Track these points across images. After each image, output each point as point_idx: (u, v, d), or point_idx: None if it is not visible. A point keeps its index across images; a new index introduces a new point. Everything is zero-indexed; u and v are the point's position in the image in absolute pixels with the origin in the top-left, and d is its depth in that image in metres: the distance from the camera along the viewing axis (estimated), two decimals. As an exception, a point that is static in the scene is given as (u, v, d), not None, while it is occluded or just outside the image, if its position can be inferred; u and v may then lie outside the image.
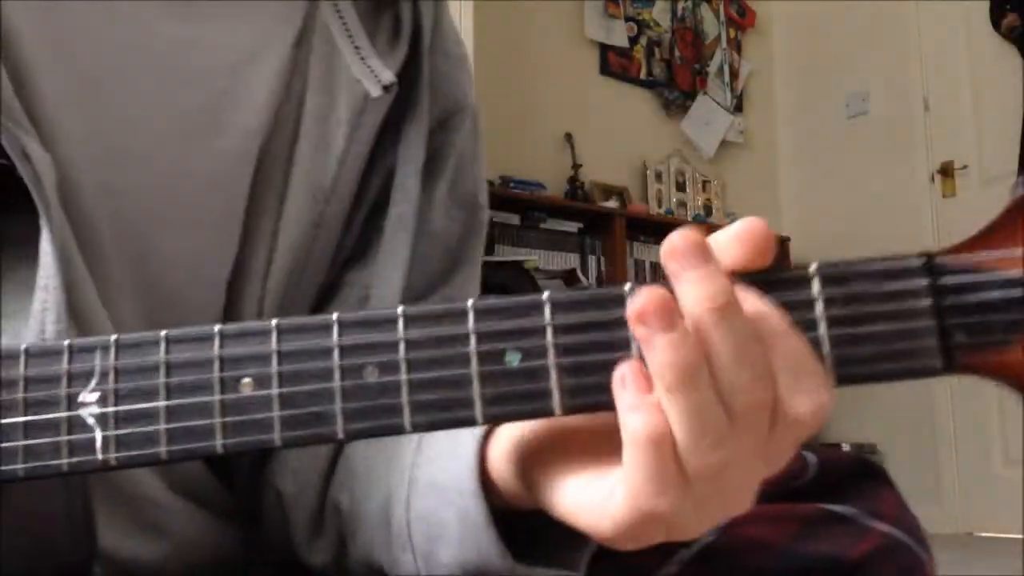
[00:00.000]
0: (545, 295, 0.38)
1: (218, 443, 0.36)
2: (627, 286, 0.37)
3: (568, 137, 4.04)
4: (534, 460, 0.41)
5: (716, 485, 0.37)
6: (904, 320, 0.36)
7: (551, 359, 0.37)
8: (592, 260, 3.93)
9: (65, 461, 0.37)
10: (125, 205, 0.61)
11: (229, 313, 0.64)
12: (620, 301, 0.37)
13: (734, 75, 4.67)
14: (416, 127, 0.66)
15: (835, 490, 0.59)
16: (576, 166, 4.00)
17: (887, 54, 4.38)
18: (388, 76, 0.64)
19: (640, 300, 0.35)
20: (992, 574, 2.68)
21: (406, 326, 0.37)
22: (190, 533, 0.63)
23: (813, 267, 0.37)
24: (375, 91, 0.64)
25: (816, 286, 0.37)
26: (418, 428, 0.36)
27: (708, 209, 4.49)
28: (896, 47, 4.35)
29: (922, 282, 0.36)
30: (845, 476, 0.60)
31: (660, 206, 4.35)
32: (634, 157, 4.34)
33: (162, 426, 0.37)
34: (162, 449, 0.37)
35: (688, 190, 4.46)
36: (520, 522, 0.46)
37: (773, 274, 0.37)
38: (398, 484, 0.50)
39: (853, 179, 4.44)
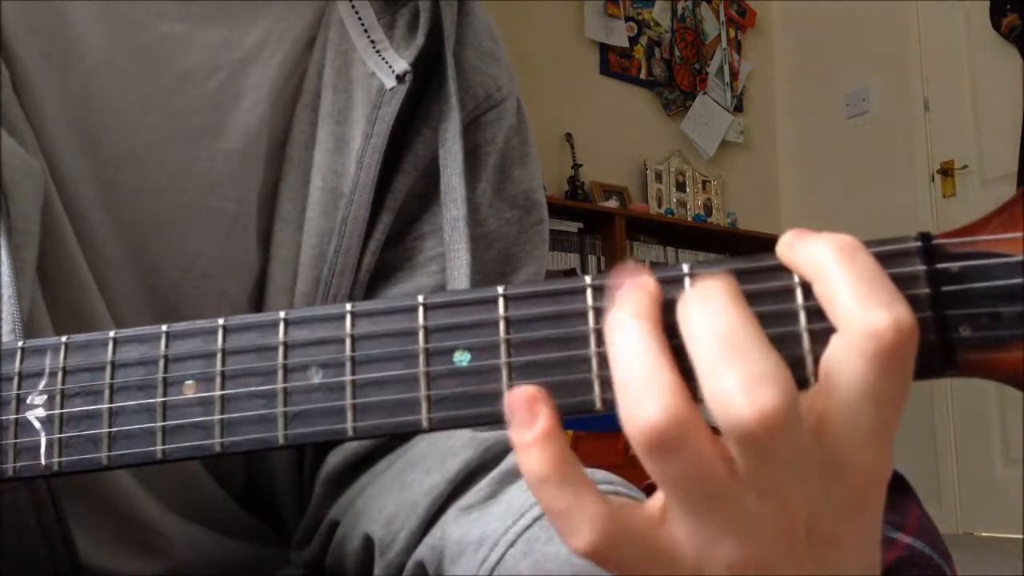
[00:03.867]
0: (500, 288, 0.35)
1: (158, 448, 0.35)
2: (587, 278, 0.34)
3: (568, 137, 4.03)
4: None
5: (713, 495, 0.31)
6: None
7: (503, 356, 0.34)
8: (592, 260, 3.92)
9: (11, 465, 0.37)
10: (126, 209, 0.60)
11: None
12: (579, 293, 0.34)
13: (734, 75, 4.66)
14: (451, 127, 0.64)
15: None
16: (576, 166, 3.99)
17: (887, 54, 4.37)
18: (402, 65, 0.63)
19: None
20: (992, 574, 2.67)
21: (354, 322, 0.35)
22: (191, 553, 0.62)
23: None
24: (389, 82, 0.62)
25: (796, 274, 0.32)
26: (360, 433, 0.35)
27: (708, 209, 4.48)
28: (896, 47, 4.33)
29: (918, 267, 0.32)
30: None
31: (660, 206, 4.34)
32: (634, 157, 4.33)
33: (104, 429, 0.36)
34: (103, 454, 0.36)
35: (688, 190, 4.45)
36: None
37: (754, 261, 0.33)
38: None
39: (853, 179, 4.43)
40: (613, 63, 4.31)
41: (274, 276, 0.63)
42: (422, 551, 0.54)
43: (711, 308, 0.31)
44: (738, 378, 0.29)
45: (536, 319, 0.34)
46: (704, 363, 0.30)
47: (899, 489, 0.60)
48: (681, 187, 4.44)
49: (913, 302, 0.31)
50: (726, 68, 4.63)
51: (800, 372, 0.32)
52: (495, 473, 0.55)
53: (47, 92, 0.57)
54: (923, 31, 4.28)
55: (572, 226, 3.87)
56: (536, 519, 0.50)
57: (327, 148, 0.63)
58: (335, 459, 0.62)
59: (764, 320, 0.31)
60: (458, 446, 0.56)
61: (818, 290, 0.31)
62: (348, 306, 0.35)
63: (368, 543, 0.58)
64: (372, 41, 0.64)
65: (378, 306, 0.35)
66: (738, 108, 4.67)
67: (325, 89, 0.64)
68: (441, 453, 0.57)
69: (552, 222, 3.72)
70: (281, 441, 0.35)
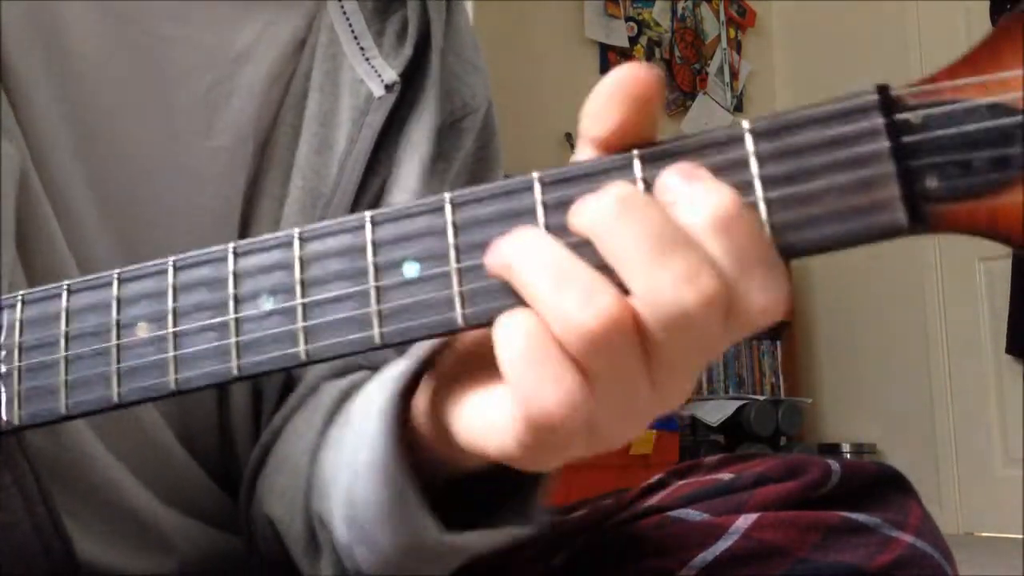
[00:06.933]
0: (446, 194, 0.34)
1: (114, 391, 0.35)
2: (535, 173, 0.34)
3: (568, 137, 4.03)
4: (444, 395, 0.38)
5: (630, 383, 0.33)
6: (856, 169, 0.30)
7: (452, 263, 0.33)
8: (592, 260, 3.92)
9: None
10: (114, 205, 0.60)
11: None
12: (528, 189, 0.34)
13: (734, 75, 4.66)
14: (421, 126, 0.65)
15: (858, 499, 0.58)
16: (576, 166, 3.99)
17: (887, 54, 4.37)
18: (391, 75, 0.64)
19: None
20: (992, 574, 2.66)
21: (302, 245, 0.35)
22: (195, 550, 0.63)
23: (746, 123, 0.32)
24: (378, 91, 0.63)
25: (749, 143, 0.31)
26: (313, 356, 0.34)
27: (708, 209, 4.48)
28: (896, 47, 4.33)
29: (877, 121, 0.30)
30: (868, 485, 0.59)
31: (660, 206, 4.34)
32: (634, 157, 4.33)
33: (61, 377, 0.36)
34: (61, 403, 0.36)
35: (688, 190, 4.45)
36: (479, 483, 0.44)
37: (701, 137, 0.32)
38: (349, 476, 0.47)
39: (853, 179, 4.42)
40: (613, 63, 4.29)
41: None
42: (315, 504, 0.54)
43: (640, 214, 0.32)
44: (677, 272, 0.31)
45: (485, 220, 0.34)
46: (639, 263, 0.32)
47: (899, 488, 0.60)
48: (681, 187, 4.44)
49: (874, 157, 0.30)
50: (726, 68, 4.63)
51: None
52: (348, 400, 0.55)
53: (40, 90, 0.57)
54: (923, 31, 4.28)
55: (572, 226, 3.87)
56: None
57: (310, 149, 0.64)
58: (254, 453, 0.62)
59: None
60: (320, 403, 0.57)
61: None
62: (296, 231, 0.35)
63: (272, 523, 0.58)
64: (362, 48, 0.65)
65: (326, 226, 0.35)
66: (738, 108, 4.67)
67: (312, 91, 0.65)
68: (307, 417, 0.58)
69: (552, 221, 3.75)
70: (235, 372, 0.34)
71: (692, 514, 0.59)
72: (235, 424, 0.64)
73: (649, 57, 4.42)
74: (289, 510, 0.56)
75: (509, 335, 0.33)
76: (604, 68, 4.27)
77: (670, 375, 0.33)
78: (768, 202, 0.31)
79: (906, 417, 4.00)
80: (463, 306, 0.33)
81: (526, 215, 0.33)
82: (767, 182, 0.31)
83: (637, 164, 0.33)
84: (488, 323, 0.34)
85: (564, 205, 0.33)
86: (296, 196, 0.64)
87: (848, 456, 3.87)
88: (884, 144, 0.30)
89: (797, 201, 0.31)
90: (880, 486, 0.60)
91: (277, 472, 0.58)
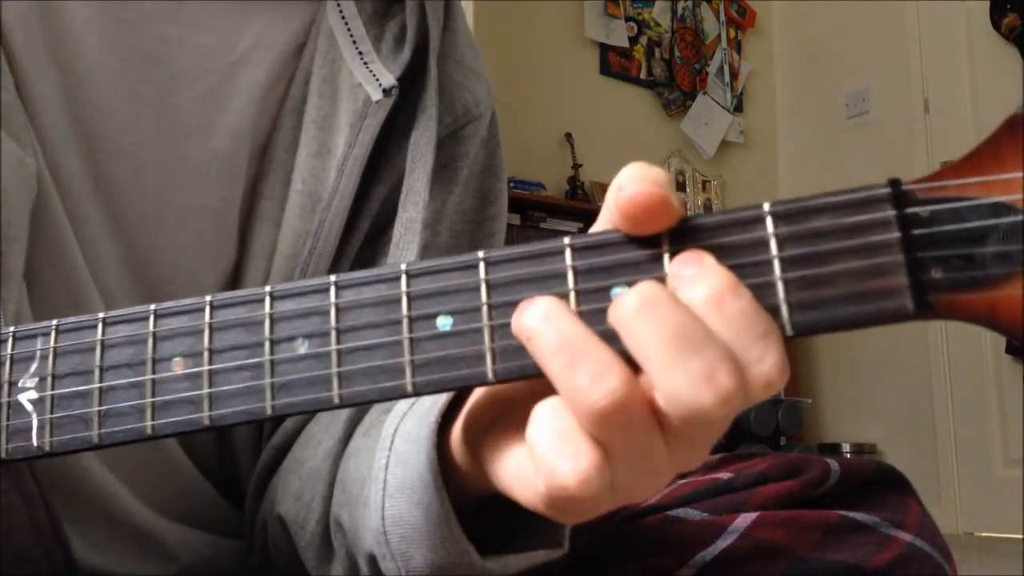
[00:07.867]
0: (480, 253, 0.36)
1: (148, 424, 0.36)
2: (566, 239, 0.35)
3: (568, 137, 4.03)
4: (482, 436, 0.39)
5: (647, 455, 0.34)
6: (868, 256, 0.32)
7: (484, 319, 0.35)
8: (592, 260, 3.91)
9: (4, 447, 0.37)
10: (118, 204, 0.61)
11: None
12: (559, 253, 0.35)
13: (734, 75, 4.66)
14: (425, 133, 0.65)
15: (857, 498, 0.58)
16: (576, 166, 3.99)
17: (887, 54, 4.37)
18: (389, 79, 0.64)
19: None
20: (992, 574, 2.67)
21: (338, 293, 0.36)
22: (194, 556, 0.63)
23: (767, 205, 0.34)
24: (376, 95, 0.64)
25: (770, 225, 0.33)
26: (346, 400, 0.35)
27: (708, 209, 4.48)
28: (896, 47, 4.33)
29: (889, 213, 0.32)
30: (868, 484, 0.60)
31: (660, 206, 4.33)
32: (634, 157, 4.26)
33: (95, 408, 0.36)
34: (94, 432, 0.36)
35: (688, 190, 4.45)
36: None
37: (726, 216, 0.34)
38: (375, 491, 0.48)
39: (853, 179, 4.39)
40: (613, 63, 4.31)
41: (249, 272, 0.64)
42: (335, 509, 0.55)
43: (658, 309, 0.33)
44: (694, 372, 0.32)
45: (517, 281, 0.35)
46: (658, 361, 0.33)
47: (898, 487, 0.61)
48: (681, 187, 4.43)
49: (885, 246, 0.32)
50: (726, 68, 4.63)
51: (777, 321, 0.33)
52: (373, 412, 0.56)
53: (45, 91, 0.58)
54: (923, 31, 4.27)
55: (572, 226, 3.86)
56: (395, 431, 0.49)
57: (309, 152, 0.64)
58: (265, 456, 0.63)
59: (740, 271, 0.33)
60: (339, 412, 0.58)
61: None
62: (332, 277, 0.36)
63: (284, 523, 0.58)
64: (360, 52, 0.66)
65: (362, 276, 0.36)
66: (738, 108, 4.67)
67: (311, 95, 0.65)
68: (326, 424, 0.59)
69: (552, 222, 3.69)
70: (268, 411, 0.35)
71: (691, 513, 0.59)
72: (236, 428, 0.64)
73: (649, 57, 4.42)
74: (304, 512, 0.57)
75: (537, 412, 0.34)
76: (604, 68, 4.27)
77: (688, 447, 0.34)
78: (785, 282, 0.33)
79: (906, 417, 4.00)
80: (494, 361, 0.35)
81: (557, 279, 0.35)
82: (785, 263, 0.33)
83: (665, 238, 0.35)
84: (517, 378, 0.35)
85: (592, 272, 0.35)
86: (296, 199, 0.64)
87: (848, 456, 3.87)
88: (895, 235, 0.32)
89: (812, 283, 0.33)
90: (879, 485, 0.60)
91: (293, 474, 0.59)
